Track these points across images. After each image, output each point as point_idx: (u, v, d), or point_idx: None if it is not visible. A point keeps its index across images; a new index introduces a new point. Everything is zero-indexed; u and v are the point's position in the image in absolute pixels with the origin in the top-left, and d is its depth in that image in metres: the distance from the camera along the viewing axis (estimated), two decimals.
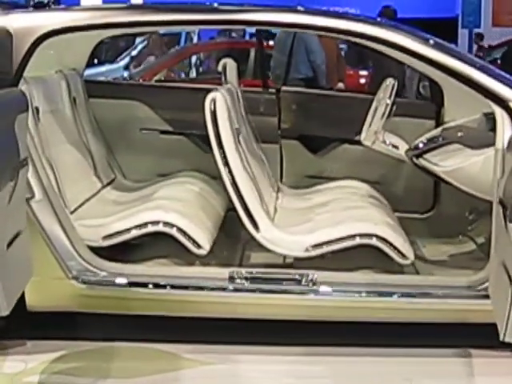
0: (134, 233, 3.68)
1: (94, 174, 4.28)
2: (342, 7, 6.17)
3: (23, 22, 3.50)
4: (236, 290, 3.51)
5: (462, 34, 13.72)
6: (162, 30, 9.42)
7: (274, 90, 4.90)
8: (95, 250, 3.60)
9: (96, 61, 7.45)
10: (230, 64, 4.59)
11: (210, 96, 3.60)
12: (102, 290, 3.52)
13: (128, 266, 3.61)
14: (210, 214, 3.98)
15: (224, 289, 3.52)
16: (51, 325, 3.64)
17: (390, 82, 4.12)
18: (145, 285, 3.53)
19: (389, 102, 4.03)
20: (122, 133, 4.73)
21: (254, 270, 3.56)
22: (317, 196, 4.33)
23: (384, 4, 9.25)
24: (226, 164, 3.60)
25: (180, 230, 3.65)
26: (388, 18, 7.86)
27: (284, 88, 5.14)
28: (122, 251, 3.72)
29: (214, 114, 3.58)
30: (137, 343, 3.61)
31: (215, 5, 3.68)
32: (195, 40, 12.62)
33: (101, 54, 8.39)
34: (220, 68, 4.60)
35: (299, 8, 3.66)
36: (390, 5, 9.21)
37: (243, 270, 3.55)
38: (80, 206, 3.87)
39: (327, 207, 4.05)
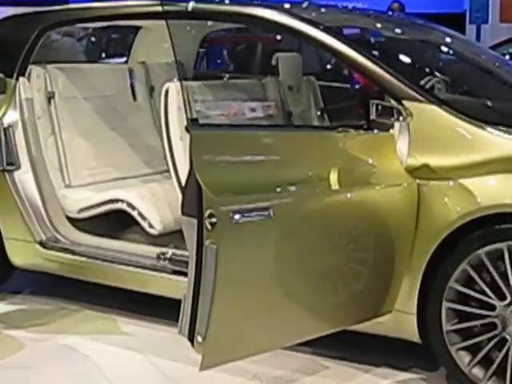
0: (101, 209, 3.96)
1: (116, 164, 4.40)
2: (351, 2, 6.12)
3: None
4: (157, 269, 3.65)
5: (470, 29, 13.59)
6: None
7: None
8: (76, 221, 3.95)
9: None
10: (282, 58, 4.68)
11: (164, 86, 3.66)
12: (59, 255, 3.86)
13: (87, 236, 3.91)
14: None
15: (147, 267, 3.69)
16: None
17: None
18: (88, 256, 3.82)
19: None
20: None
21: (183, 253, 3.55)
22: None
23: None
24: (172, 156, 3.68)
25: (137, 209, 3.85)
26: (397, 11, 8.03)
27: None
28: (98, 224, 3.98)
29: (165, 104, 3.63)
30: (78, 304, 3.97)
31: None
32: None
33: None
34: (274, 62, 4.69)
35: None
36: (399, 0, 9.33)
37: (171, 251, 3.66)
38: (86, 185, 4.13)
39: None
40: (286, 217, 2.64)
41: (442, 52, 4.28)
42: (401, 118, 3.06)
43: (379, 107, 3.05)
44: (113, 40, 9.03)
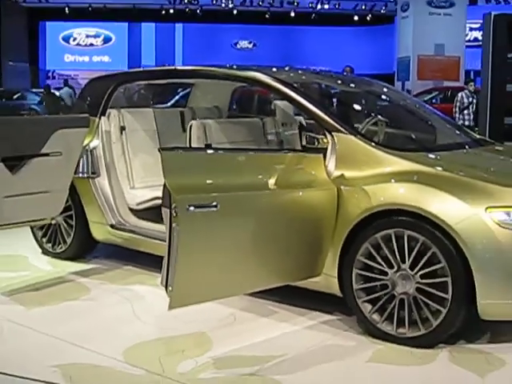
0: (151, 203, 3.60)
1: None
2: (317, 66, 5.74)
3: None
4: None
5: (397, 84, 13.14)
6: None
7: None
8: (135, 211, 3.63)
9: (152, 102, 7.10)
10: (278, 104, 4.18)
11: (189, 123, 3.37)
12: (122, 233, 3.58)
13: (141, 221, 3.56)
14: None
15: None
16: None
17: None
18: (141, 234, 3.51)
19: None
20: None
21: None
22: None
23: (346, 64, 9.12)
24: None
25: None
26: (348, 73, 7.71)
27: None
28: (149, 213, 3.62)
29: (190, 135, 3.34)
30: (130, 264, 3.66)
31: None
32: None
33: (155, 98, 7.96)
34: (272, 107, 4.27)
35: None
36: (350, 64, 9.14)
37: None
38: (143, 187, 3.81)
39: None
40: (230, 207, 2.41)
41: (372, 98, 3.86)
42: (330, 144, 2.78)
43: (307, 137, 2.82)
44: (155, 93, 8.42)
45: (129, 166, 3.78)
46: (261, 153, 2.78)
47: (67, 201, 3.57)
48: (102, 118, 3.67)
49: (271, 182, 2.51)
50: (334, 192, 2.67)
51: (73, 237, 3.67)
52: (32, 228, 3.79)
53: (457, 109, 9.37)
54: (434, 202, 2.44)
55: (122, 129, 3.76)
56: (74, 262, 3.67)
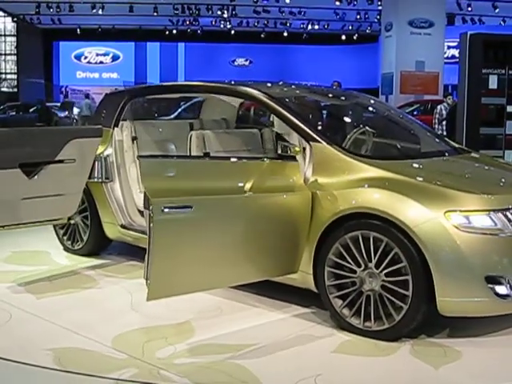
0: None
1: None
2: (308, 81, 5.52)
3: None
4: None
5: (382, 98, 12.84)
6: None
7: None
8: (143, 213, 3.42)
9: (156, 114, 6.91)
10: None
11: (189, 134, 3.21)
12: (131, 233, 3.43)
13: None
14: None
15: None
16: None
17: None
18: (144, 232, 3.31)
19: None
20: None
21: None
22: None
23: (334, 79, 8.89)
24: None
25: None
26: (337, 87, 7.51)
27: None
28: None
29: (190, 144, 3.18)
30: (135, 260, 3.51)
31: None
32: None
33: (159, 111, 7.72)
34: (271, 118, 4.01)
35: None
36: (338, 80, 8.92)
37: None
38: None
39: None
40: (204, 209, 2.30)
41: (352, 110, 3.64)
42: (308, 152, 2.63)
43: (283, 146, 2.65)
44: (159, 106, 8.13)
45: (139, 171, 3.54)
46: (239, 160, 2.64)
47: (83, 202, 3.50)
48: (115, 128, 3.56)
49: (248, 186, 2.38)
50: (309, 196, 2.52)
51: (88, 235, 3.58)
52: (55, 227, 3.72)
53: (436, 120, 9.18)
54: (397, 206, 2.30)
55: (134, 138, 3.63)
56: (89, 257, 3.58)
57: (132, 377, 2.02)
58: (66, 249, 3.71)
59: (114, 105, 3.59)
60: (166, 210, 2.16)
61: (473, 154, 3.14)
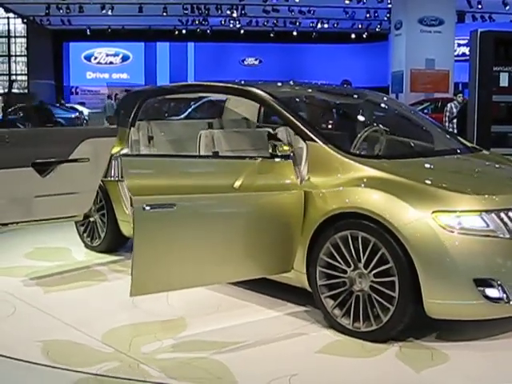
0: None
1: None
2: (318, 80, 5.53)
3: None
4: None
5: (392, 96, 12.75)
6: None
7: None
8: None
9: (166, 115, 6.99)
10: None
11: (199, 133, 3.23)
12: None
13: None
14: None
15: None
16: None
17: None
18: None
19: None
20: None
21: None
22: None
23: (344, 78, 8.74)
24: None
25: None
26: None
27: None
28: None
29: (199, 143, 3.20)
30: None
31: None
32: None
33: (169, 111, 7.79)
34: None
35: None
36: (348, 78, 8.80)
37: None
38: None
39: None
40: (187, 208, 2.32)
41: (354, 109, 3.58)
42: (304, 151, 2.65)
43: (273, 145, 2.67)
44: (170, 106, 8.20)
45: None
46: (232, 159, 2.66)
47: (101, 200, 3.55)
48: (132, 128, 3.59)
49: (237, 184, 2.40)
50: (302, 195, 2.54)
51: (105, 232, 3.63)
52: (76, 225, 3.80)
53: (446, 118, 9.14)
54: (384, 206, 2.28)
55: (150, 138, 3.66)
56: (106, 254, 3.64)
57: (110, 370, 2.03)
58: (86, 246, 3.78)
59: (130, 105, 3.63)
60: (148, 208, 2.17)
61: (483, 152, 3.04)
